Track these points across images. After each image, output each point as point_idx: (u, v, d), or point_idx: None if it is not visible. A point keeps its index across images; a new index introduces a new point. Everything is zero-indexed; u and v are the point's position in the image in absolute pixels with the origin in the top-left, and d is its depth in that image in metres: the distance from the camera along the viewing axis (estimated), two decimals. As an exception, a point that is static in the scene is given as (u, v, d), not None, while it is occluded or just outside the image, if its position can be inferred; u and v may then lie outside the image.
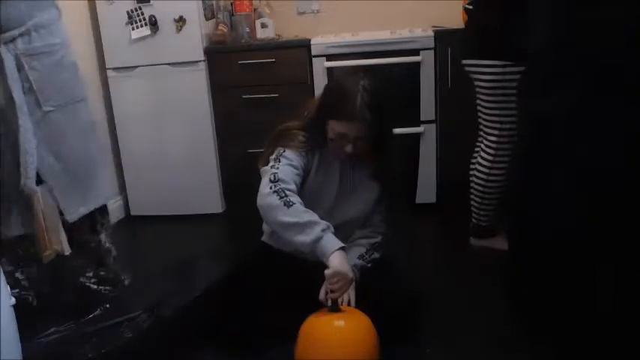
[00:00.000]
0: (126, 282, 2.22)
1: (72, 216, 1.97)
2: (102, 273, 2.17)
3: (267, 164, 1.67)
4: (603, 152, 1.40)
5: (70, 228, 2.02)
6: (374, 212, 1.79)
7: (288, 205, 1.54)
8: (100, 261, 2.16)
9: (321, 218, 1.69)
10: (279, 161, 1.64)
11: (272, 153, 1.69)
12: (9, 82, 1.81)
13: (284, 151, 1.67)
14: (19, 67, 1.83)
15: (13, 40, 1.81)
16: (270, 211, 1.57)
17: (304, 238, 1.52)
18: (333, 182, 1.75)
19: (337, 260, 1.49)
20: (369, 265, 1.72)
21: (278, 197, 1.56)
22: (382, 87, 1.70)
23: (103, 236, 2.15)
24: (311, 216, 1.55)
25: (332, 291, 1.52)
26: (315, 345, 1.48)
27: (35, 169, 1.87)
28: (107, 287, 2.17)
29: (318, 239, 1.51)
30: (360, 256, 1.72)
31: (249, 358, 1.65)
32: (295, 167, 1.65)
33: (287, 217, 1.54)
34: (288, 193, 1.57)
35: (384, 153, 1.74)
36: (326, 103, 1.69)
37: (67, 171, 1.95)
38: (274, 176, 1.60)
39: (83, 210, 2.00)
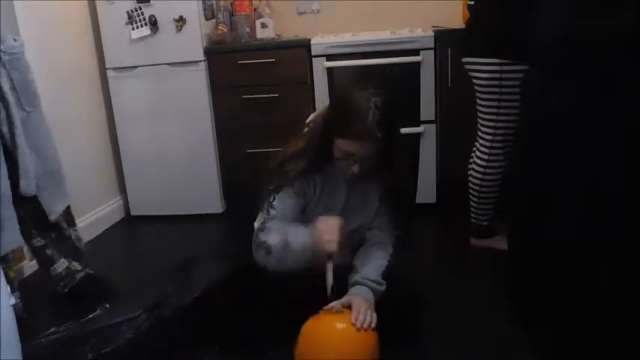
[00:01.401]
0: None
1: (54, 215, 2.00)
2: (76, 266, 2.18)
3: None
4: (604, 152, 1.40)
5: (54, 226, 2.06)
6: (378, 215, 1.76)
7: (269, 251, 1.59)
8: (77, 251, 2.17)
9: None
10: (268, 213, 1.66)
11: (267, 196, 1.68)
12: (1, 82, 1.81)
13: (273, 199, 1.66)
14: (3, 66, 1.82)
15: None
16: (266, 264, 1.63)
17: (297, 255, 1.56)
18: (339, 200, 1.71)
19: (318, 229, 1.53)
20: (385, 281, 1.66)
21: (259, 248, 1.62)
22: (393, 102, 1.61)
23: (71, 231, 2.16)
24: (282, 236, 1.58)
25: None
26: (315, 345, 1.48)
27: (32, 167, 1.88)
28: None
29: (305, 243, 1.54)
30: (383, 273, 1.65)
31: (249, 358, 1.65)
32: (284, 216, 1.65)
33: (274, 260, 1.59)
34: (264, 239, 1.61)
35: (391, 166, 1.65)
36: (334, 120, 1.60)
37: (48, 171, 1.97)
38: (256, 234, 1.65)
39: (61, 208, 2.02)
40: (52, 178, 1.98)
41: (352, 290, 1.58)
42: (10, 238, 1.85)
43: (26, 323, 1.73)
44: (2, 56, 1.82)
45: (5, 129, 1.83)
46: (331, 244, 1.50)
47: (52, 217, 2.00)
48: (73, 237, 2.14)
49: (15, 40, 1.91)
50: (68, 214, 2.11)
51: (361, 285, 1.59)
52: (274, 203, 1.66)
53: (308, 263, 1.56)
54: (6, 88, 1.81)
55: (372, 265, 1.66)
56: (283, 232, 1.59)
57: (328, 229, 1.52)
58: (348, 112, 1.54)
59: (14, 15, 2.30)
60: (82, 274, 2.18)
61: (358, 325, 1.45)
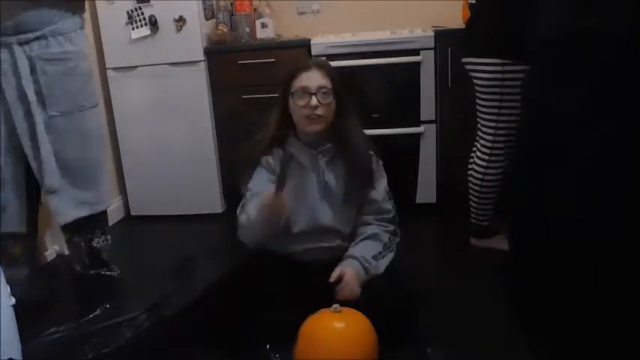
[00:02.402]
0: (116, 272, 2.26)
1: (61, 219, 2.02)
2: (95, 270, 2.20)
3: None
4: (604, 152, 1.40)
5: (72, 231, 2.10)
6: (365, 213, 1.78)
7: (241, 226, 1.67)
8: (96, 260, 2.18)
9: (308, 224, 1.74)
10: (245, 195, 1.74)
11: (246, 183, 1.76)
12: (23, 83, 1.85)
13: (249, 181, 1.75)
14: (32, 69, 1.87)
15: (28, 42, 1.85)
16: (244, 239, 1.70)
17: (256, 226, 1.60)
18: (308, 182, 1.74)
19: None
20: (380, 266, 1.71)
21: (238, 227, 1.69)
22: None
23: (95, 241, 2.17)
24: (247, 212, 1.65)
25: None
26: (314, 345, 1.48)
27: (54, 164, 1.93)
28: (106, 271, 2.23)
29: (255, 206, 1.60)
30: (374, 256, 1.70)
31: (249, 358, 1.65)
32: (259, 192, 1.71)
33: (245, 234, 1.67)
34: (240, 217, 1.68)
35: (347, 139, 1.73)
36: (283, 81, 1.72)
37: (64, 175, 1.98)
38: (238, 215, 1.71)
39: (74, 214, 2.04)
40: (66, 183, 2.00)
41: (343, 263, 1.66)
42: (10, 221, 1.93)
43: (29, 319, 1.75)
44: (35, 60, 1.87)
45: (24, 127, 1.89)
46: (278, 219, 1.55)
47: (59, 220, 2.03)
48: (89, 246, 2.17)
49: (71, 47, 1.95)
50: (87, 225, 2.12)
51: (352, 258, 1.67)
52: (249, 185, 1.73)
53: (269, 231, 1.60)
54: (29, 90, 1.87)
55: (365, 247, 1.72)
56: (249, 208, 1.66)
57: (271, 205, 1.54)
58: (294, 69, 1.71)
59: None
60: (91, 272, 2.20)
61: (340, 297, 1.56)
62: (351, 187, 1.75)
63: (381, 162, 1.83)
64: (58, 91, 1.92)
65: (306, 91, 1.66)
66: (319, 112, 1.66)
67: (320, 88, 1.66)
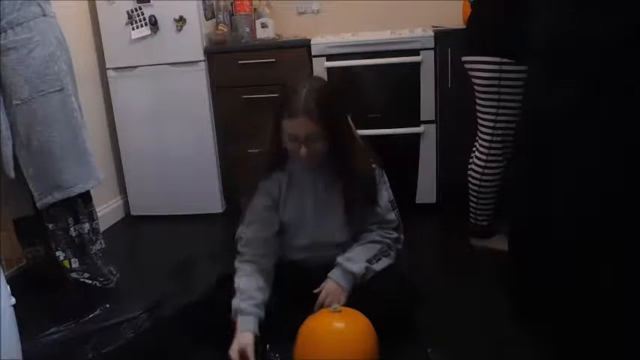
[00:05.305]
0: (114, 276, 2.24)
1: (39, 203, 2.06)
2: (83, 265, 2.18)
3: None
4: (603, 152, 1.40)
5: (51, 217, 2.11)
6: (369, 224, 1.78)
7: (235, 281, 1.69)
8: (80, 250, 2.17)
9: (307, 239, 1.76)
10: (243, 222, 1.76)
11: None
12: None
13: (246, 208, 1.75)
14: None
15: None
16: None
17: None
18: (308, 200, 1.74)
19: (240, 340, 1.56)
20: (376, 268, 1.72)
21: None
22: (334, 89, 1.73)
23: (86, 226, 2.16)
24: (242, 284, 1.66)
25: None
26: (313, 345, 1.48)
27: (11, 156, 1.97)
28: (101, 280, 2.20)
29: (236, 312, 1.62)
30: (369, 260, 1.71)
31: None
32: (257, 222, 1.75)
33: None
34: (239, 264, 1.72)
35: (346, 160, 1.69)
36: (277, 107, 1.67)
37: (32, 161, 2.02)
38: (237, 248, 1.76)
39: (50, 199, 2.06)
40: (37, 168, 2.02)
41: (330, 274, 1.69)
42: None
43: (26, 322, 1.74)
44: None
45: None
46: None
47: (38, 204, 2.06)
48: (70, 233, 2.15)
49: (26, 35, 1.95)
50: (67, 208, 2.12)
51: (338, 267, 1.69)
52: (247, 212, 1.74)
53: None
54: None
55: (359, 252, 1.72)
56: (238, 286, 1.67)
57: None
58: (286, 95, 1.64)
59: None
60: (75, 275, 2.18)
61: (317, 307, 1.61)
62: (350, 207, 1.73)
63: (383, 172, 1.81)
64: (16, 80, 1.93)
65: (296, 140, 1.62)
66: (311, 153, 1.63)
67: (308, 135, 1.60)
